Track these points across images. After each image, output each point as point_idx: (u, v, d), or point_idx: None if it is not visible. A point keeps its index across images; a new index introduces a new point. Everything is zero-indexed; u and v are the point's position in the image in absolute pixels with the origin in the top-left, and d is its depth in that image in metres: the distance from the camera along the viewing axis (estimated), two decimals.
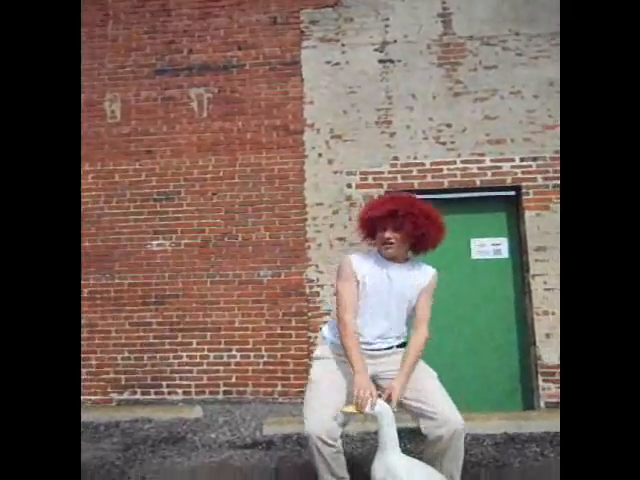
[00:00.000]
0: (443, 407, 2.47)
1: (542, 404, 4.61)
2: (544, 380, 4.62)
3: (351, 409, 2.36)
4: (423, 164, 4.96)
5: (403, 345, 2.67)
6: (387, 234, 2.57)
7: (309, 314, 4.84)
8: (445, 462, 2.48)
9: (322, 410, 2.44)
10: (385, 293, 2.60)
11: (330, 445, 2.41)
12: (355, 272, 2.62)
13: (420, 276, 2.66)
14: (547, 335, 4.64)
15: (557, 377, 4.57)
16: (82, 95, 5.29)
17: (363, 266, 2.63)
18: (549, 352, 4.62)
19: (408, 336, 2.71)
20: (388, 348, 2.64)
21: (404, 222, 2.54)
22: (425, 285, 2.65)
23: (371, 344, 2.61)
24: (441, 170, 4.93)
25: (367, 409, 2.32)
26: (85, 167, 5.21)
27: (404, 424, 2.72)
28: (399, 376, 2.48)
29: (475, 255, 4.96)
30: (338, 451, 2.46)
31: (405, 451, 2.51)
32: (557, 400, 4.54)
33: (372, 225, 2.66)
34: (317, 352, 2.74)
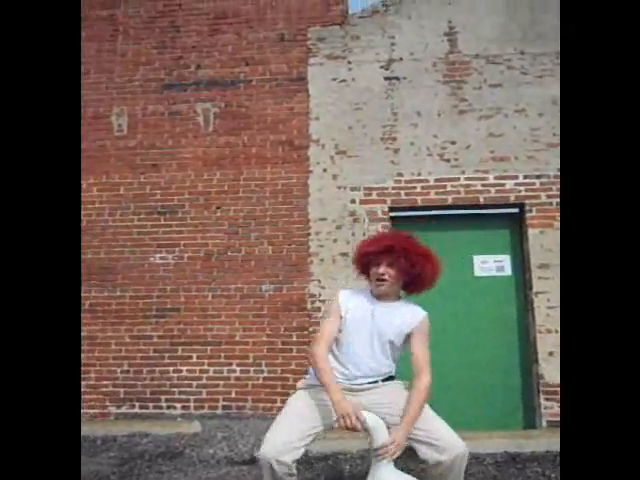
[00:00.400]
0: (443, 433, 2.41)
1: (544, 423, 4.54)
2: (546, 399, 4.56)
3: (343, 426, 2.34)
4: (427, 180, 4.96)
5: (389, 379, 2.60)
6: (381, 269, 2.55)
7: (310, 329, 4.80)
8: None
9: (282, 435, 2.36)
10: (366, 331, 2.55)
11: (283, 464, 2.31)
12: (340, 307, 2.61)
13: (407, 317, 2.58)
14: (550, 353, 4.59)
15: (559, 396, 4.51)
16: (89, 108, 5.35)
17: (350, 301, 2.62)
18: (551, 370, 4.56)
19: (397, 371, 2.67)
20: (372, 382, 2.56)
21: (399, 258, 2.52)
22: (414, 327, 2.57)
23: (353, 379, 2.55)
24: (445, 187, 4.93)
25: (358, 426, 2.27)
26: (90, 180, 5.24)
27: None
28: (401, 426, 2.37)
29: (478, 272, 4.92)
30: (291, 474, 2.35)
31: (405, 469, 2.47)
32: (559, 419, 4.47)
33: (367, 261, 2.63)
34: (299, 384, 2.69)
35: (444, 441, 2.37)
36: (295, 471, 2.39)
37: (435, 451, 2.37)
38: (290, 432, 2.37)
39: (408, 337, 2.57)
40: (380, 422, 2.32)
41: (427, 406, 2.49)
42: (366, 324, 2.55)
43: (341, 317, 2.59)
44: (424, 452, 2.40)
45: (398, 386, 2.62)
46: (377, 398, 2.53)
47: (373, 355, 2.55)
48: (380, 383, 2.57)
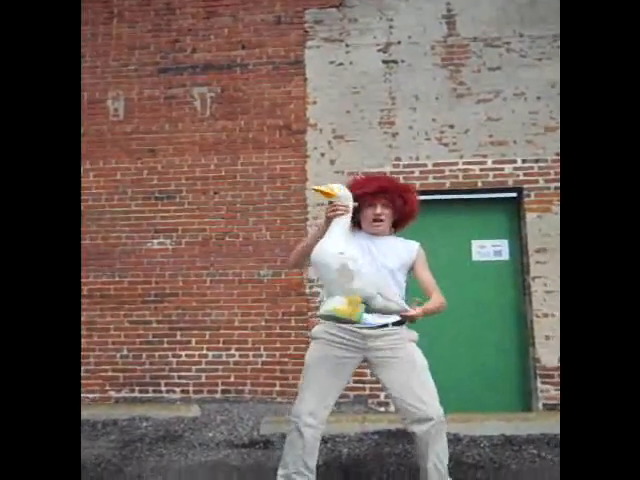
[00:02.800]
0: (418, 404, 2.46)
1: (540, 406, 4.58)
2: (542, 382, 4.59)
3: (324, 188, 2.39)
4: (425, 165, 4.95)
5: (400, 323, 2.57)
6: (378, 210, 2.61)
7: (309, 314, 4.82)
8: (429, 454, 2.48)
9: (312, 398, 2.54)
10: (368, 264, 2.52)
11: (313, 427, 2.52)
12: None
13: (403, 249, 2.66)
14: (546, 337, 4.62)
15: (556, 379, 4.56)
16: (85, 93, 5.31)
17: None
18: (548, 354, 4.60)
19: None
20: (383, 326, 2.56)
21: (395, 198, 2.62)
22: (413, 257, 2.65)
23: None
24: (443, 171, 4.92)
25: (336, 190, 2.37)
26: (87, 165, 5.21)
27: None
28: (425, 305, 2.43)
29: (476, 257, 4.93)
30: (315, 438, 2.54)
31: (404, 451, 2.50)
32: (555, 402, 4.53)
33: (358, 205, 2.62)
34: (314, 330, 2.72)
35: (415, 412, 2.46)
36: (320, 437, 2.56)
37: (408, 419, 2.49)
38: (319, 392, 2.53)
39: (410, 269, 2.66)
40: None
41: (423, 366, 2.55)
42: (366, 260, 2.52)
43: None
44: (404, 418, 2.53)
45: (410, 350, 2.58)
46: (388, 353, 2.54)
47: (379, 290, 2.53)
48: (391, 327, 2.56)
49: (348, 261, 2.20)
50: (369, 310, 2.27)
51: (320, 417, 2.54)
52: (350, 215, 2.38)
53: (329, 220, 2.37)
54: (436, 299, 2.53)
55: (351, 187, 2.62)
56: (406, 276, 2.67)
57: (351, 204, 2.39)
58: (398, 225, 2.77)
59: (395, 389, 2.51)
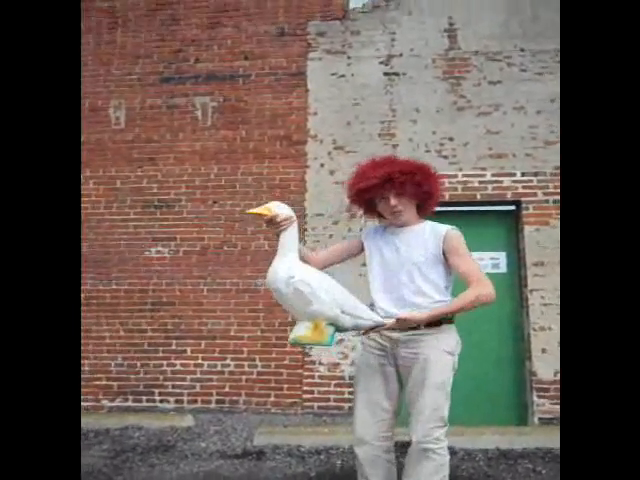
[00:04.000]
0: (415, 420, 2.26)
1: (536, 420, 4.54)
2: (538, 396, 4.55)
3: (258, 210, 2.22)
4: None
5: (435, 324, 2.28)
6: (392, 202, 2.35)
7: (306, 348, 4.77)
8: (409, 473, 2.28)
9: (359, 412, 2.38)
10: (394, 264, 2.38)
11: (365, 443, 2.33)
12: (362, 241, 2.54)
13: (430, 238, 2.37)
14: (543, 350, 4.59)
15: (552, 393, 4.52)
16: (87, 101, 5.35)
17: (373, 239, 2.51)
18: (544, 368, 4.56)
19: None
20: (413, 327, 2.25)
21: (403, 184, 2.33)
22: (440, 245, 2.34)
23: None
24: (442, 183, 4.90)
25: (273, 210, 2.19)
26: (87, 173, 5.23)
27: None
28: (424, 312, 2.20)
29: None
30: (374, 455, 2.34)
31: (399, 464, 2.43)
32: (551, 416, 4.49)
33: (369, 197, 2.43)
34: (355, 356, 2.62)
35: (412, 426, 2.26)
36: (386, 455, 2.36)
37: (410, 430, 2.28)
38: (365, 405, 2.36)
39: (445, 259, 2.35)
40: (292, 214, 2.24)
41: (434, 384, 2.26)
42: (392, 257, 2.40)
43: (362, 249, 2.52)
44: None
45: (430, 362, 2.28)
46: (406, 366, 2.33)
47: (406, 288, 2.33)
48: (424, 330, 2.28)
49: (299, 284, 2.06)
50: (340, 330, 2.14)
51: (372, 432, 2.33)
52: (295, 224, 2.22)
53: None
54: (465, 295, 2.24)
55: (354, 179, 2.46)
56: (444, 267, 2.36)
57: (291, 214, 2.22)
58: (425, 208, 2.48)
59: (406, 400, 2.35)
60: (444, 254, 2.34)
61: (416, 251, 2.35)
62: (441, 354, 2.29)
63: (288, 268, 2.11)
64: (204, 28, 5.48)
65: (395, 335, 2.31)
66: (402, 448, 2.59)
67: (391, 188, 2.34)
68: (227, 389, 4.83)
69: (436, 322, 2.28)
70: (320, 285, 2.09)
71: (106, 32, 5.53)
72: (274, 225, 2.20)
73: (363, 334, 2.33)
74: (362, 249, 2.54)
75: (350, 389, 4.24)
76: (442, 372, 2.28)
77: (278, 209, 2.21)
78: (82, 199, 5.10)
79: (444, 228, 2.38)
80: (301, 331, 2.10)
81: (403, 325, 2.17)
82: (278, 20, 5.42)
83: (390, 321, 2.15)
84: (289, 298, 2.09)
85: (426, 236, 2.37)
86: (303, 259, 2.29)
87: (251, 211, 2.22)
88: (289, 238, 2.19)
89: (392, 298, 2.35)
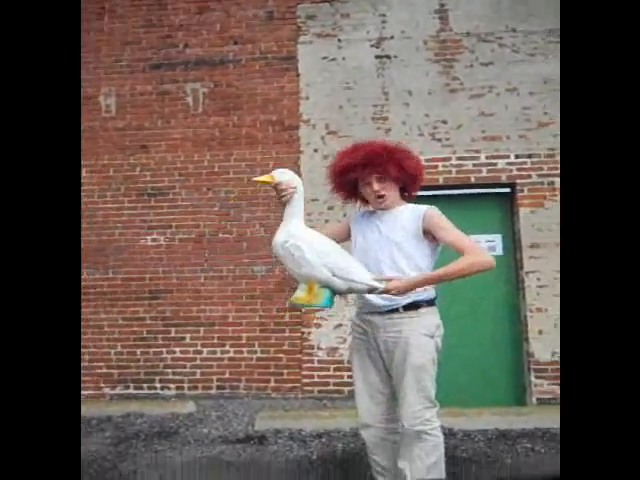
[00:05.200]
0: (401, 405, 2.33)
1: (534, 400, 4.60)
2: (536, 377, 4.61)
3: (263, 178, 2.31)
4: None
5: (413, 307, 2.33)
6: (375, 187, 2.40)
7: (303, 310, 4.81)
8: (403, 454, 2.33)
9: (359, 396, 2.46)
10: (375, 243, 2.42)
11: (369, 426, 2.43)
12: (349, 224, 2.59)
13: (409, 218, 2.40)
14: (540, 332, 4.64)
15: (549, 374, 4.58)
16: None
17: (359, 223, 2.55)
18: (542, 349, 4.62)
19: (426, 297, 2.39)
20: (392, 311, 2.33)
21: (386, 167, 2.37)
22: (420, 224, 2.36)
23: (370, 302, 2.37)
24: (436, 167, 4.92)
25: (277, 177, 2.27)
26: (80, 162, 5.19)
27: None
28: (411, 276, 2.25)
29: None
30: (378, 437, 2.43)
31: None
32: (549, 396, 4.56)
33: (351, 181, 2.46)
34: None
35: (401, 411, 2.33)
36: (388, 436, 2.43)
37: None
38: (362, 389, 2.45)
39: (428, 237, 2.37)
40: (300, 185, 2.31)
41: (416, 366, 2.30)
42: (374, 238, 2.44)
43: (349, 233, 2.56)
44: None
45: (411, 345, 2.31)
46: (389, 350, 2.36)
47: (389, 261, 2.37)
48: (402, 312, 2.33)
49: (291, 248, 2.17)
50: (337, 293, 2.22)
51: (375, 416, 2.42)
52: (301, 192, 2.27)
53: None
54: (459, 261, 2.23)
55: (336, 162, 2.50)
56: (423, 245, 2.37)
57: (297, 183, 2.28)
58: (408, 190, 2.52)
59: (393, 384, 2.41)
60: (427, 233, 2.36)
61: (395, 231, 2.38)
62: (420, 336, 2.32)
63: (286, 233, 2.22)
64: (192, 13, 5.41)
65: (375, 319, 2.38)
66: None
67: (373, 171, 2.39)
68: (227, 375, 4.87)
69: (415, 306, 2.33)
70: (312, 248, 2.18)
71: (94, 19, 5.44)
72: (277, 193, 2.27)
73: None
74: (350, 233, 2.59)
75: (349, 372, 4.26)
76: (423, 354, 2.32)
77: (282, 177, 2.28)
78: None
79: (423, 207, 2.43)
80: (297, 292, 2.23)
81: (396, 290, 2.18)
82: (267, 4, 5.37)
83: (383, 285, 2.18)
84: (285, 261, 2.22)
85: (405, 216, 2.42)
86: None
87: (256, 179, 2.32)
88: (293, 205, 2.26)
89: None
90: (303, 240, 2.19)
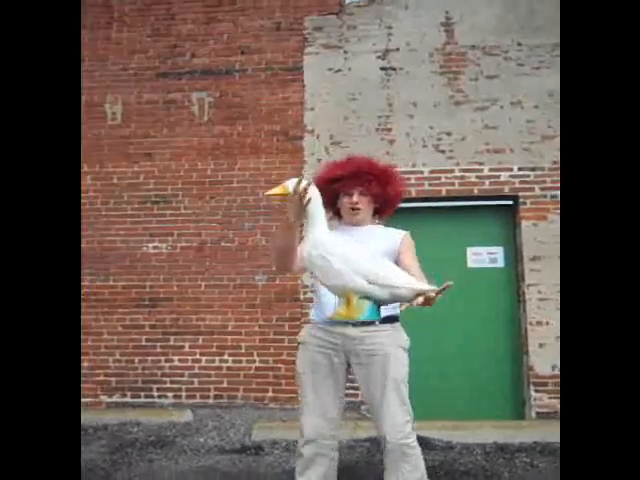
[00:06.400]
0: (385, 416, 2.25)
1: (533, 414, 4.55)
2: (536, 390, 4.56)
3: (276, 190, 2.17)
4: (422, 172, 4.94)
5: (389, 320, 2.31)
6: (354, 198, 2.41)
7: (302, 320, 4.79)
8: (391, 471, 2.27)
9: (309, 411, 2.36)
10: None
11: (312, 441, 2.32)
12: None
13: (385, 236, 2.44)
14: (540, 345, 4.60)
15: (549, 387, 4.53)
16: (83, 96, 5.30)
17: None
18: (542, 362, 4.58)
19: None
20: (367, 323, 2.25)
21: (371, 183, 2.42)
22: (397, 246, 2.40)
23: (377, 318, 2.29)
24: (439, 178, 4.91)
25: (291, 187, 2.11)
26: (84, 168, 5.20)
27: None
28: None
29: (471, 264, 4.92)
30: (321, 452, 2.32)
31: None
32: (548, 410, 4.51)
33: (334, 189, 2.45)
34: (300, 333, 2.52)
35: (384, 425, 2.26)
36: (336, 448, 2.37)
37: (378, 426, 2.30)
38: (316, 406, 2.34)
39: (395, 258, 2.37)
40: (317, 192, 2.15)
41: (395, 380, 2.25)
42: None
43: None
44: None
45: (389, 358, 2.27)
46: (362, 363, 2.29)
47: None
48: (378, 325, 2.27)
49: (317, 260, 2.05)
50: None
51: (322, 432, 2.32)
52: (317, 197, 2.14)
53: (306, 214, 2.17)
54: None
55: (324, 171, 2.51)
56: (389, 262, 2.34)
57: (310, 187, 2.11)
58: (382, 212, 2.57)
59: (366, 398, 2.35)
60: (397, 254, 2.39)
61: (369, 241, 2.35)
62: (398, 349, 2.32)
63: (311, 244, 2.10)
64: (200, 23, 5.45)
65: (348, 331, 2.29)
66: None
67: (357, 185, 2.42)
68: (225, 384, 4.84)
69: (391, 319, 2.32)
70: (341, 257, 2.04)
71: (102, 28, 5.49)
72: (293, 203, 2.14)
73: (409, 306, 2.07)
74: None
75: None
76: (403, 367, 2.32)
77: (295, 186, 2.11)
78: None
79: (401, 231, 2.49)
80: (337, 308, 2.09)
81: (435, 300, 2.03)
82: (274, 15, 5.40)
83: (432, 288, 2.03)
84: (316, 274, 2.11)
85: (379, 233, 2.46)
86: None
87: (268, 192, 2.22)
88: (311, 213, 2.13)
89: None
90: (328, 249, 2.06)
